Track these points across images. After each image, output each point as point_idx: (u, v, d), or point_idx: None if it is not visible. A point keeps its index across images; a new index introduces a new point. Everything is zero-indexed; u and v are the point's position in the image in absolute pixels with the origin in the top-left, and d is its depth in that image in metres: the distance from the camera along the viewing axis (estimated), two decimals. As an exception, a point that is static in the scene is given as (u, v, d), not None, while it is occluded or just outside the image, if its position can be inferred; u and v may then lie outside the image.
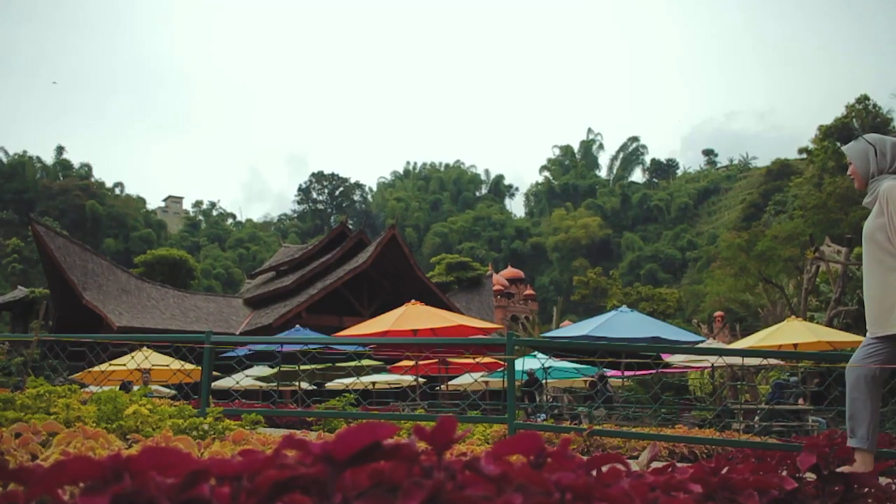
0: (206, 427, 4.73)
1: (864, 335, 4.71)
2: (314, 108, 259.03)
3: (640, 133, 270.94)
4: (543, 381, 20.22)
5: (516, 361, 7.31)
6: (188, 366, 13.43)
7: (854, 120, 72.64)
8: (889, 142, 4.83)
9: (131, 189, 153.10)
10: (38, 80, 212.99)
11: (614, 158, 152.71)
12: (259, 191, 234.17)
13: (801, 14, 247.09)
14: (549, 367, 19.68)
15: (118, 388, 17.29)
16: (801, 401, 15.68)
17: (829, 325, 19.72)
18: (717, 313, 50.21)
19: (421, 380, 20.99)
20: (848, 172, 4.99)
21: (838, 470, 1.89)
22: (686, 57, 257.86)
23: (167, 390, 19.87)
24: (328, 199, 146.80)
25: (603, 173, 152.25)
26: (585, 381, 21.46)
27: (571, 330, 19.23)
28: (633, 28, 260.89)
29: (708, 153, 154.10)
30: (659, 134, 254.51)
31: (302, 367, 18.76)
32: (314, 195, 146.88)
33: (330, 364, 22.09)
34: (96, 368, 14.03)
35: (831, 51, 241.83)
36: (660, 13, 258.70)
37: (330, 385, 23.66)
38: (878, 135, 4.95)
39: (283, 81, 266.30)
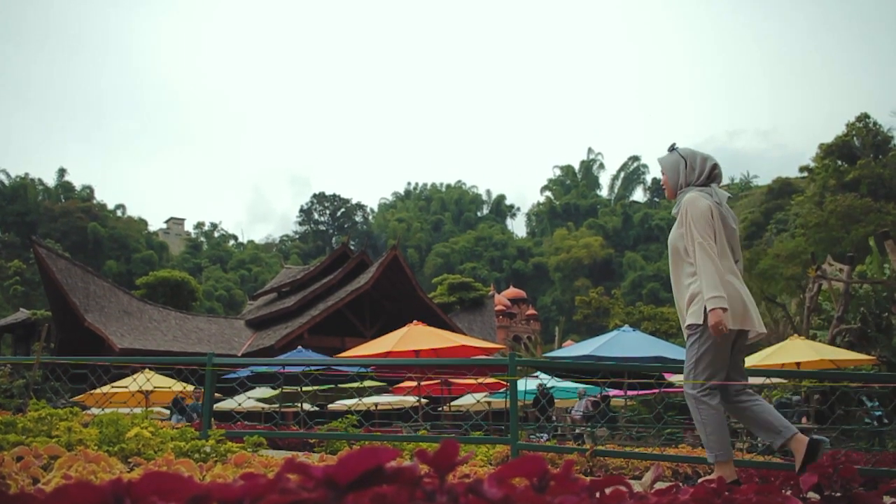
0: (208, 450, 4.72)
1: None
2: (316, 129, 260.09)
3: (643, 152, 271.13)
4: (549, 396, 20.18)
5: (518, 382, 7.29)
6: (190, 388, 13.43)
7: (854, 138, 72.73)
8: (699, 156, 5.17)
9: (133, 211, 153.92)
10: (40, 102, 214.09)
11: (615, 178, 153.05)
12: (262, 212, 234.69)
13: (805, 32, 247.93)
14: (552, 387, 19.64)
15: (172, 402, 17.33)
16: (804, 419, 15.63)
17: (832, 343, 19.67)
18: (720, 332, 50.05)
19: (423, 401, 20.96)
20: (661, 182, 5.34)
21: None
22: (688, 76, 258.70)
23: (169, 412, 19.85)
24: (330, 220, 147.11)
25: (604, 193, 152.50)
26: (588, 402, 21.42)
27: (574, 350, 19.19)
28: (635, 47, 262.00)
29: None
30: (662, 153, 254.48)
31: (304, 389, 18.73)
32: (316, 216, 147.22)
33: (332, 385, 22.06)
34: (98, 391, 14.01)
35: (835, 69, 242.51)
36: (662, 32, 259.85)
37: (332, 406, 23.63)
38: (691, 149, 5.25)
39: (286, 103, 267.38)
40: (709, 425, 4.76)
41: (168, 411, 19.97)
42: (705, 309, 4.71)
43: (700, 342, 4.77)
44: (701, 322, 4.73)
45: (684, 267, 4.92)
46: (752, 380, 14.99)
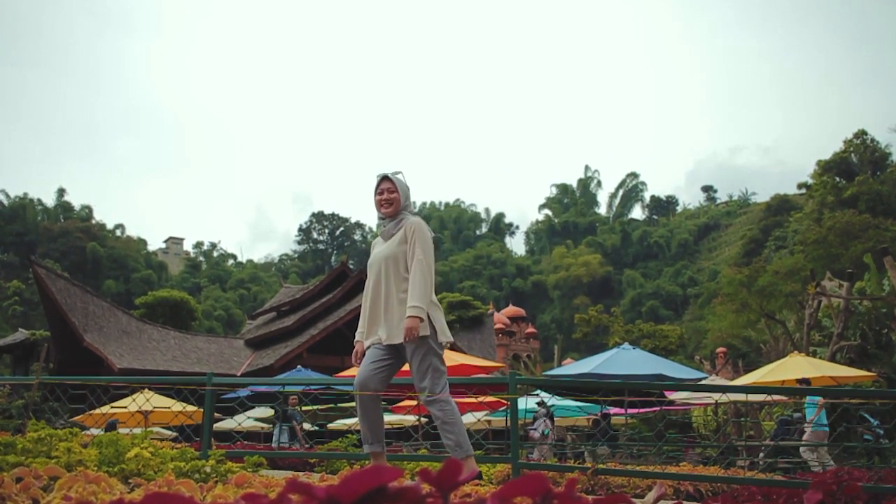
0: (208, 470, 4.70)
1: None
2: (317, 146, 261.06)
3: (644, 168, 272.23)
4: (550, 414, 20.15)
5: (518, 400, 7.27)
6: (190, 408, 13.38)
7: (852, 154, 72.93)
8: None
9: (132, 230, 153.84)
10: (39, 123, 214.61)
11: (613, 195, 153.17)
12: (265, 230, 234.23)
13: (808, 49, 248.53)
14: (552, 406, 19.61)
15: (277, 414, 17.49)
16: (805, 437, 15.57)
17: (832, 359, 19.64)
18: (720, 349, 50.06)
19: (423, 420, 20.89)
20: (386, 196, 5.62)
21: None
22: (690, 92, 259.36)
23: (168, 432, 19.77)
24: (329, 238, 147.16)
25: (602, 210, 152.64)
26: (588, 420, 21.39)
27: (574, 368, 19.18)
28: (635, 65, 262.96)
29: (707, 189, 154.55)
30: (664, 169, 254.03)
31: (304, 408, 18.68)
32: (315, 235, 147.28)
33: (332, 405, 21.99)
34: (97, 411, 13.97)
35: (838, 84, 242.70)
36: (661, 49, 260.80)
37: (332, 426, 23.56)
38: None
39: (287, 121, 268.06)
40: (459, 423, 5.25)
41: (169, 431, 19.91)
42: (430, 320, 5.25)
43: (433, 354, 5.28)
44: (429, 333, 5.23)
45: (401, 283, 5.38)
46: (753, 397, 14.97)
